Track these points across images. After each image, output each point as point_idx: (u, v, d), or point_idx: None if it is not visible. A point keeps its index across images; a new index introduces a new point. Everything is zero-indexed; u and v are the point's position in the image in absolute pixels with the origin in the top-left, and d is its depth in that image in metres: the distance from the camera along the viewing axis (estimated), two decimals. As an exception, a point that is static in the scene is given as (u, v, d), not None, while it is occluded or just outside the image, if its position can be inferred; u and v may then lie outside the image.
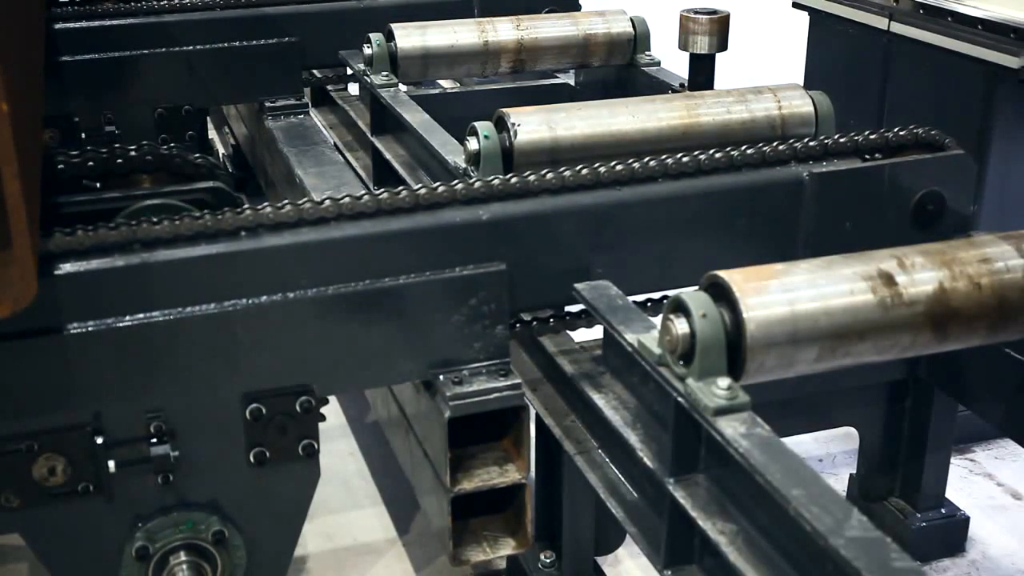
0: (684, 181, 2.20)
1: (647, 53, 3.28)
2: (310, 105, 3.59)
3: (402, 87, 3.14)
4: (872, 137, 2.29)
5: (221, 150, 4.52)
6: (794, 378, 1.84)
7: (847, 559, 1.35)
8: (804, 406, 2.48)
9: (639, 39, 3.27)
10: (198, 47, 3.28)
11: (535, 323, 2.22)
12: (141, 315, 1.86)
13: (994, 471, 3.12)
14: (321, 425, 2.03)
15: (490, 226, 2.06)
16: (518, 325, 2.20)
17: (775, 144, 2.25)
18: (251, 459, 1.99)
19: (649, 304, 2.23)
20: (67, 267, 1.82)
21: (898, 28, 3.14)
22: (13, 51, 1.64)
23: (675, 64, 3.26)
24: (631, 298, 2.05)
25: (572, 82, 3.56)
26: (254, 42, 3.34)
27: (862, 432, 2.64)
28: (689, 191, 2.19)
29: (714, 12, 2.98)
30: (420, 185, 2.07)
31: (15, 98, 1.50)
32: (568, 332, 2.28)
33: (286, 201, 1.98)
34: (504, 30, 3.18)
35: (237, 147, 4.31)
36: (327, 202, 1.98)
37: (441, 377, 2.04)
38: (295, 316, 1.94)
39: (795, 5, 3.56)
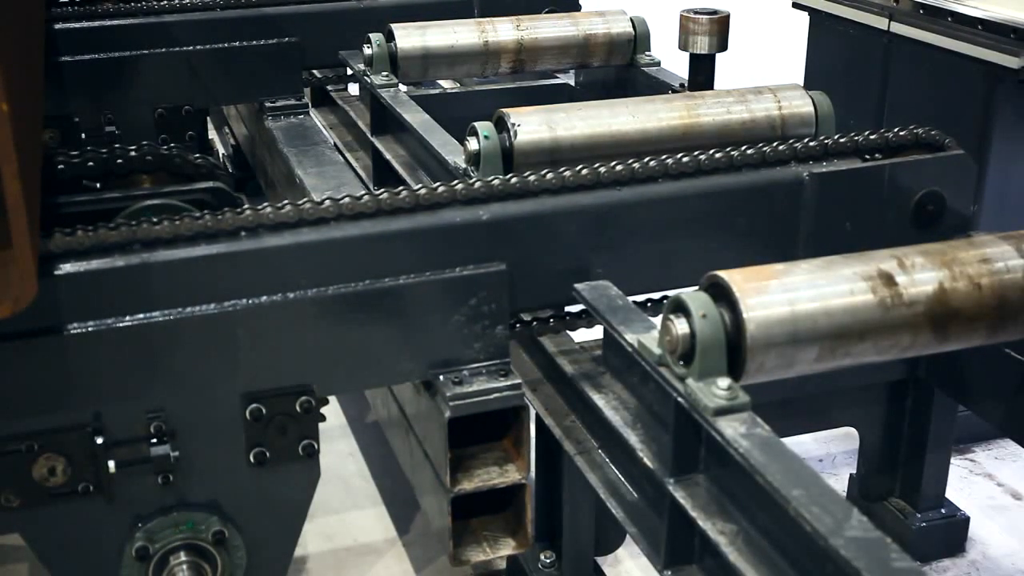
0: (684, 181, 2.20)
1: (647, 53, 3.28)
2: (310, 105, 3.59)
3: (402, 87, 3.14)
4: (872, 137, 2.29)
5: (221, 150, 4.52)
6: (794, 378, 1.84)
7: (847, 559, 1.35)
8: (804, 406, 2.48)
9: (639, 39, 3.27)
10: (198, 47, 3.28)
11: (535, 323, 2.22)
12: (141, 315, 1.86)
13: (994, 471, 3.12)
14: (321, 425, 2.03)
15: (490, 226, 2.06)
16: (518, 325, 2.20)
17: (775, 144, 2.25)
18: (251, 459, 1.99)
19: (649, 304, 2.23)
20: (67, 267, 1.82)
21: (898, 28, 3.14)
22: (13, 51, 1.64)
23: (675, 64, 3.26)
24: (631, 298, 2.05)
25: (572, 82, 3.56)
26: (254, 42, 3.34)
27: (862, 432, 2.64)
28: (689, 191, 2.19)
29: (714, 12, 2.98)
30: (420, 185, 2.07)
31: (15, 98, 1.50)
32: (568, 332, 2.28)
33: (286, 201, 1.98)
34: (504, 30, 3.18)
35: (237, 147, 4.31)
36: (327, 202, 1.98)
37: (441, 377, 2.04)
38: (295, 316, 1.94)
39: (795, 5, 3.56)
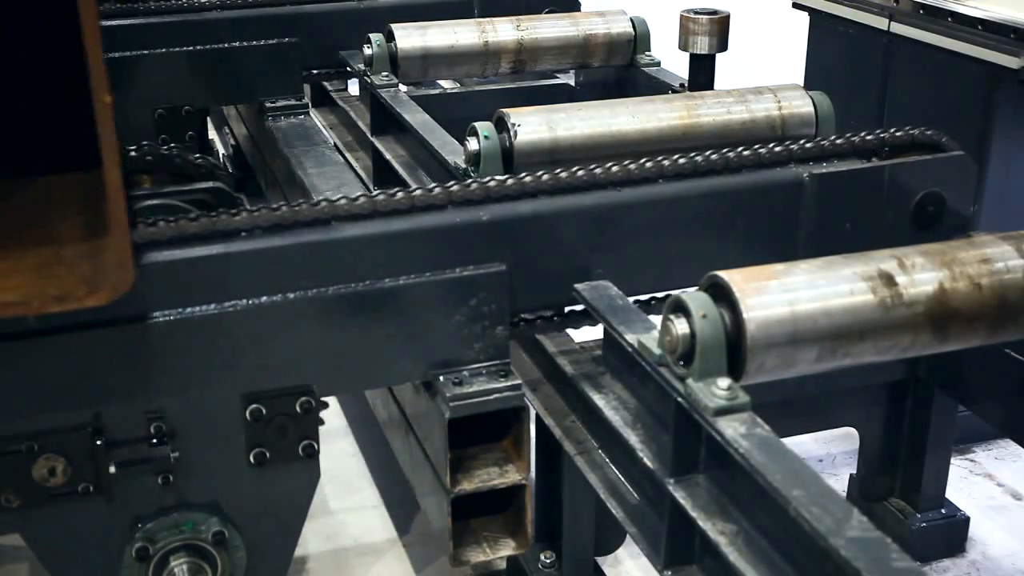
0: (684, 182, 2.20)
1: (647, 53, 3.28)
2: (310, 105, 3.59)
3: (402, 87, 3.14)
4: (872, 138, 2.29)
5: (221, 150, 4.52)
6: (794, 378, 1.84)
7: (847, 559, 1.36)
8: (804, 406, 2.48)
9: (639, 39, 3.27)
10: (198, 47, 3.28)
11: (538, 321, 2.22)
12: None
13: (994, 471, 3.12)
14: (321, 426, 2.03)
15: (490, 227, 2.06)
16: (521, 324, 2.20)
17: (775, 145, 2.25)
18: (251, 460, 1.98)
19: (652, 303, 2.23)
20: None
21: (898, 28, 3.13)
22: (103, 43, 1.60)
23: (675, 64, 3.26)
24: (631, 298, 2.05)
25: (572, 82, 3.56)
26: (254, 42, 3.34)
27: (862, 432, 2.64)
28: (689, 192, 2.19)
29: (714, 12, 2.98)
30: (420, 186, 2.07)
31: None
32: (568, 332, 2.28)
33: (285, 202, 1.98)
34: (504, 30, 3.18)
35: (237, 147, 4.32)
36: (325, 203, 1.98)
37: (441, 378, 2.03)
38: (295, 317, 1.94)
39: (795, 5, 3.55)
